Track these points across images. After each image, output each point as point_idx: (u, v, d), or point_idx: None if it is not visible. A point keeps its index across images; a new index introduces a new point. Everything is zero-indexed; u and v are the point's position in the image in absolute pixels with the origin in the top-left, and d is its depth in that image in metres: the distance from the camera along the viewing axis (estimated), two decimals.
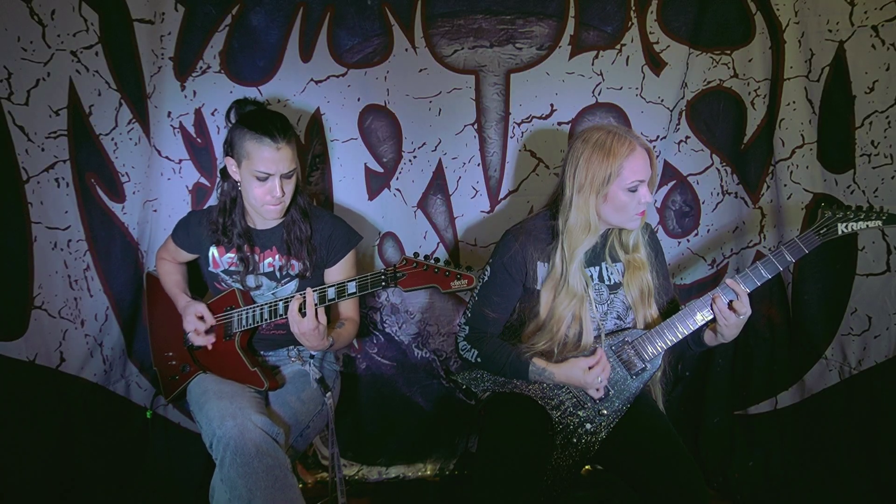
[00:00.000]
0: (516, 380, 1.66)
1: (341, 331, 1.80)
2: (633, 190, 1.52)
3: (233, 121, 1.73)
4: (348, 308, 1.88)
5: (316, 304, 1.60)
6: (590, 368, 1.54)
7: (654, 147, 2.11)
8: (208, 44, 1.98)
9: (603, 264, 1.67)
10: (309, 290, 1.61)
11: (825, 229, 1.54)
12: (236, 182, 1.74)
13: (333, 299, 1.62)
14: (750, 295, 1.55)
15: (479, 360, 1.64)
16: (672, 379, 2.33)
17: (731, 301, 1.53)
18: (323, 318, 1.61)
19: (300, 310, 1.60)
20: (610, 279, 1.66)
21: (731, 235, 2.20)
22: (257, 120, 1.66)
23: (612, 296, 1.66)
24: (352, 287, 1.59)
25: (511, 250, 1.62)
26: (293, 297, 1.62)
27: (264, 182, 1.66)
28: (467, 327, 1.68)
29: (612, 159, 1.50)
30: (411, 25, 2.01)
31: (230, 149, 1.70)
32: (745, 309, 1.52)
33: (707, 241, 2.23)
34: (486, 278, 1.66)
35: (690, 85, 2.06)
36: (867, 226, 1.53)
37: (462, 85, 2.06)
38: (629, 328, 1.68)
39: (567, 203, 1.57)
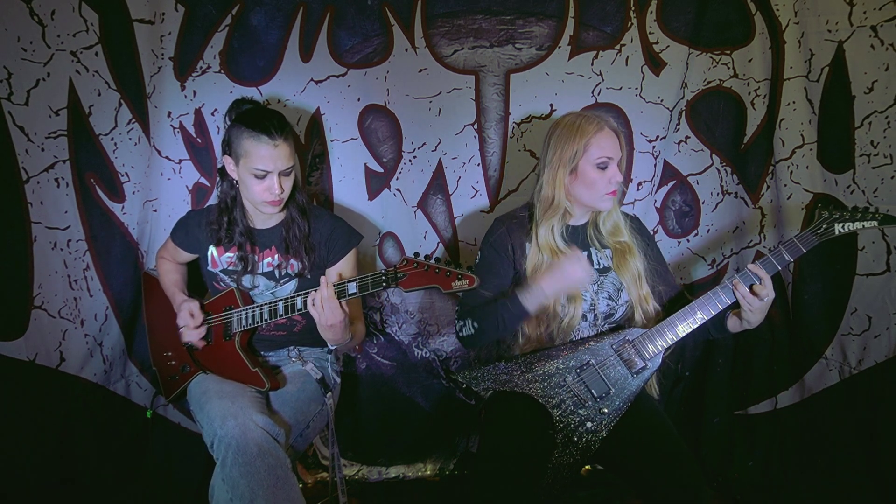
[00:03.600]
0: (518, 324, 1.65)
1: (353, 329, 1.81)
2: (602, 167, 1.62)
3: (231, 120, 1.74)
4: (354, 309, 1.89)
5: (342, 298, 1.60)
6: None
7: (654, 147, 2.12)
8: (208, 44, 1.98)
9: (592, 249, 1.74)
10: (325, 279, 1.59)
11: (822, 229, 1.56)
12: (234, 181, 1.74)
13: None
14: None
15: (475, 326, 1.63)
16: (672, 379, 2.34)
17: (752, 285, 1.55)
18: (347, 308, 1.62)
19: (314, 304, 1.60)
20: (599, 263, 1.73)
21: (731, 235, 2.20)
22: (254, 118, 1.66)
23: (602, 278, 1.72)
24: (352, 287, 1.59)
25: (497, 232, 1.74)
26: (307, 292, 1.62)
27: (263, 179, 1.66)
28: (459, 306, 1.73)
29: (579, 136, 1.61)
30: (411, 25, 2.01)
31: (228, 148, 1.70)
32: (766, 292, 1.54)
33: (707, 241, 2.23)
34: (477, 261, 1.76)
35: (690, 85, 2.06)
36: (863, 226, 1.55)
37: (462, 85, 2.06)
38: (628, 328, 1.68)
39: (540, 181, 1.70)
